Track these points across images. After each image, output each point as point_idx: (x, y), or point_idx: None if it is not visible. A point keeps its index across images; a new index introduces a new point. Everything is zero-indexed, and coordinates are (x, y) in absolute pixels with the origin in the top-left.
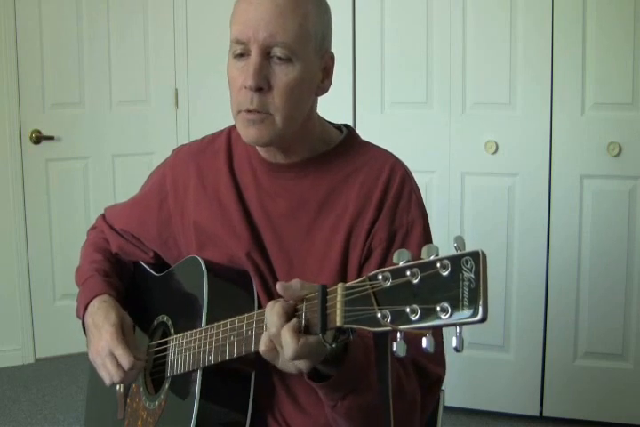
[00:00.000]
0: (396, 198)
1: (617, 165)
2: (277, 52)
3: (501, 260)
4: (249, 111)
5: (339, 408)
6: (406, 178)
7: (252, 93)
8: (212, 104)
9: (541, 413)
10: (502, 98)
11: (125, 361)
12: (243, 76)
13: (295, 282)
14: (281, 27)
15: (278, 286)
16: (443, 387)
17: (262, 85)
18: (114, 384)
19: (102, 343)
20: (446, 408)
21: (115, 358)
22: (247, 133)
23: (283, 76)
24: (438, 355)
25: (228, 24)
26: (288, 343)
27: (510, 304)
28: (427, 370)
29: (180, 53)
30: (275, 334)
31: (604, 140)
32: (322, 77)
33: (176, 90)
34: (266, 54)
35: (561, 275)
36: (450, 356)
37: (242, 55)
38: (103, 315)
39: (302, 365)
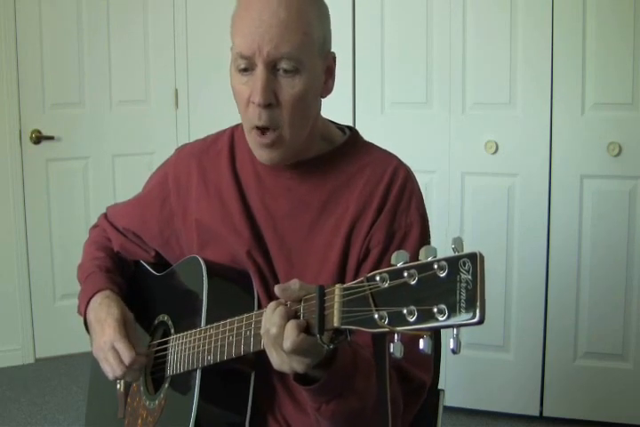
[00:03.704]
0: (396, 201)
1: (617, 165)
2: (283, 64)
3: (501, 260)
4: (258, 129)
5: (323, 411)
6: (408, 180)
7: (259, 110)
8: (212, 104)
9: (541, 413)
10: (502, 98)
11: (127, 356)
12: (249, 91)
13: (294, 282)
14: (285, 39)
15: (276, 289)
16: (442, 387)
17: (271, 101)
18: (116, 379)
19: (104, 338)
20: (446, 408)
21: (117, 353)
22: (259, 155)
23: (290, 89)
24: (424, 361)
25: (228, 24)
26: (288, 335)
27: (510, 304)
28: (410, 374)
29: (180, 53)
30: (277, 334)
31: (604, 141)
32: (325, 78)
33: (176, 90)
34: (271, 68)
35: (561, 275)
36: (450, 356)
37: (246, 70)
38: (105, 310)
39: (298, 364)
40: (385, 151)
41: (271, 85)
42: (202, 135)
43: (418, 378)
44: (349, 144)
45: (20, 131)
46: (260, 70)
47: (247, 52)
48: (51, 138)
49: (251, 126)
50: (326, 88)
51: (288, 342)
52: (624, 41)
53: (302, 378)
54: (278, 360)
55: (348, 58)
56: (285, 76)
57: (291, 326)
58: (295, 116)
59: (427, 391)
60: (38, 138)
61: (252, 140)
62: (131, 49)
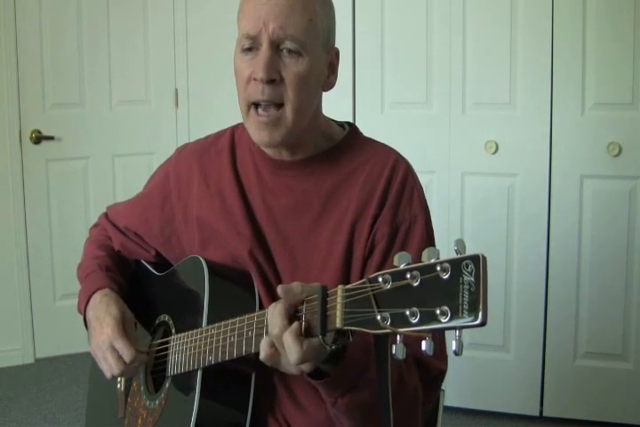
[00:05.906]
0: (398, 194)
1: (617, 165)
2: (287, 44)
3: (501, 260)
4: (257, 106)
5: (339, 405)
6: (408, 173)
7: (262, 85)
8: (212, 104)
9: (541, 413)
10: (502, 98)
11: (127, 354)
12: (251, 69)
13: (295, 285)
14: (291, 21)
15: (279, 289)
16: (443, 387)
17: (274, 77)
18: (114, 377)
19: (103, 337)
20: (446, 408)
21: (115, 351)
22: (259, 136)
23: (293, 67)
24: (440, 350)
25: (228, 24)
26: (292, 348)
27: (510, 305)
28: (428, 364)
29: (180, 53)
30: (277, 335)
31: (604, 140)
32: (328, 73)
33: (176, 90)
34: (275, 47)
35: (561, 275)
36: (450, 356)
37: (250, 49)
38: (104, 308)
39: (305, 366)
40: (384, 146)
41: (275, 63)
42: (202, 135)
43: (436, 367)
44: (349, 140)
45: (20, 131)
46: (264, 48)
47: (253, 31)
48: (51, 138)
49: (249, 103)
50: (329, 83)
51: (294, 357)
52: (624, 41)
53: (315, 372)
54: (283, 364)
55: (348, 58)
56: (289, 57)
57: (291, 338)
58: (297, 94)
59: (443, 380)
60: (38, 138)
61: (252, 121)
62: (131, 49)
